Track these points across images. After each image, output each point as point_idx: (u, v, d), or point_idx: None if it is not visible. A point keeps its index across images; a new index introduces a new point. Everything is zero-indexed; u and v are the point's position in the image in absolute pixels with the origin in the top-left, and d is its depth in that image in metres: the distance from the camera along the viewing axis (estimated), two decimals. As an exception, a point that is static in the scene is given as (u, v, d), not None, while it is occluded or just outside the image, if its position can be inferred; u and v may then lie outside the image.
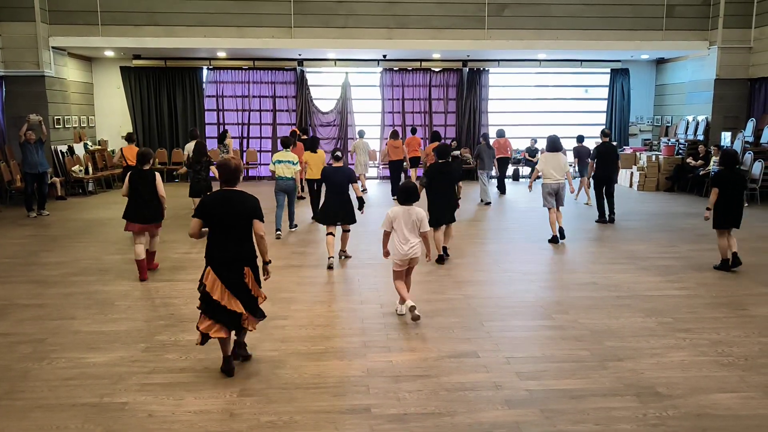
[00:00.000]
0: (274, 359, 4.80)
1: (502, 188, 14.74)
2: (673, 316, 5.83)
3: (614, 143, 11.20)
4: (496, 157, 14.10)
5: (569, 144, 13.64)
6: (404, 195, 5.67)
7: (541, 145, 17.36)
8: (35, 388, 4.32)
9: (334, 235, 7.79)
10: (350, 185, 7.83)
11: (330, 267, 7.61)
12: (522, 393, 4.23)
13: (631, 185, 15.68)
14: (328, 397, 4.17)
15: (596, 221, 10.64)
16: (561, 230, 9.05)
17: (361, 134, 14.55)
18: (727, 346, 5.10)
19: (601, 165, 10.71)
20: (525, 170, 17.53)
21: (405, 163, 13.97)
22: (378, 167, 17.41)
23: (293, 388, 4.32)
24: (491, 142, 13.73)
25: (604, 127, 18.00)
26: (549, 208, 9.09)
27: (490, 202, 13.03)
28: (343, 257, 8.17)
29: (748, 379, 4.46)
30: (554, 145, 9.22)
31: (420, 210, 5.64)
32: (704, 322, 5.67)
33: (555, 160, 9.06)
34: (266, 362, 4.75)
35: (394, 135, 14.02)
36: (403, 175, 14.02)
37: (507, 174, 15.38)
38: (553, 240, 9.00)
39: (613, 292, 6.66)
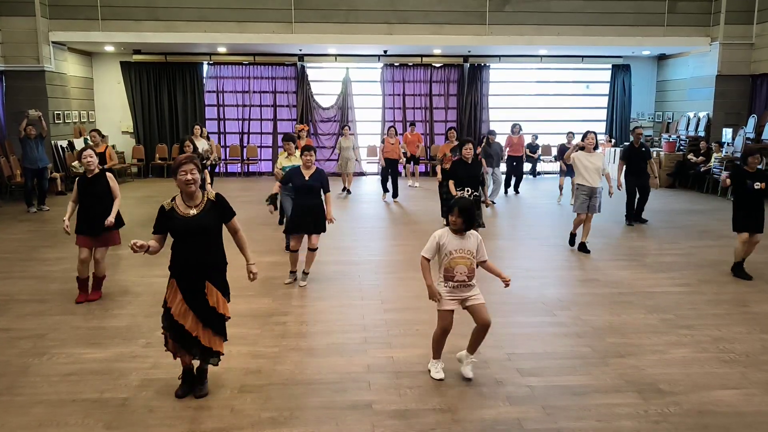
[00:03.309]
0: (274, 355, 4.79)
1: (515, 187, 14.05)
2: (674, 313, 5.81)
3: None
4: (509, 155, 13.45)
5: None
6: (465, 215, 4.19)
7: (542, 141, 17.34)
8: (35, 383, 4.31)
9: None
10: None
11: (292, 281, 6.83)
12: (523, 389, 4.22)
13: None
14: (328, 393, 4.16)
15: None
16: (583, 245, 8.26)
17: (345, 131, 13.89)
18: (728, 342, 5.09)
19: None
20: (525, 166, 17.45)
21: (401, 159, 13.63)
22: (378, 164, 17.35)
23: (294, 384, 4.31)
24: (505, 138, 13.08)
25: (605, 123, 18.01)
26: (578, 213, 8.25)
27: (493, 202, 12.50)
28: (304, 278, 6.84)
29: (750, 376, 4.45)
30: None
31: (477, 234, 4.36)
32: (706, 319, 5.66)
33: (588, 159, 8.09)
34: (267, 358, 4.74)
35: (391, 132, 13.49)
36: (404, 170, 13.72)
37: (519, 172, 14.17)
38: (582, 247, 8.26)
39: (615, 288, 6.65)
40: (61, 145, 14.27)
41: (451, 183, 7.44)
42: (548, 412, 3.92)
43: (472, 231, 4.31)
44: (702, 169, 14.18)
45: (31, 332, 5.28)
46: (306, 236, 6.72)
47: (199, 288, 3.94)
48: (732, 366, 4.63)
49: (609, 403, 4.02)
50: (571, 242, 8.49)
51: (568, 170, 12.38)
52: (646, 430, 3.71)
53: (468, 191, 7.33)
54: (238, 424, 3.77)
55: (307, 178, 6.58)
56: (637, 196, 10.22)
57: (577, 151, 8.29)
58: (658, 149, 15.98)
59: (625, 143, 17.10)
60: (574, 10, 14.63)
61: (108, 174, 6.23)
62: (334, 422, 3.79)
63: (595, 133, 8.24)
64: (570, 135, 12.77)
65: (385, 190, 13.15)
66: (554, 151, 16.23)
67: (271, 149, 17.46)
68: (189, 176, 3.85)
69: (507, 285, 4.36)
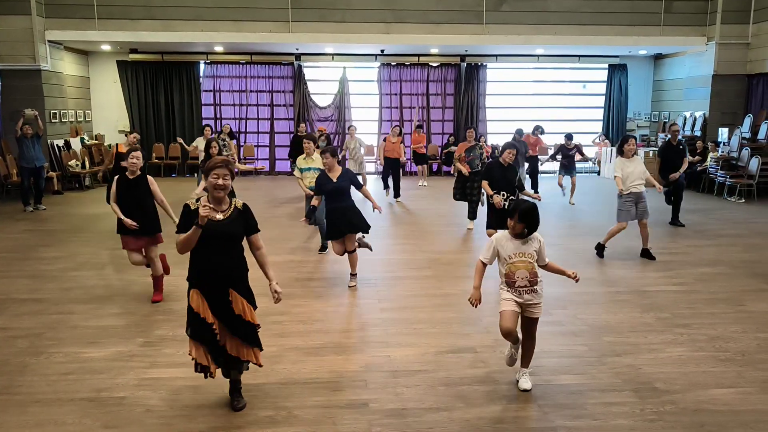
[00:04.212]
0: (272, 354, 4.79)
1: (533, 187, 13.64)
2: (671, 312, 5.84)
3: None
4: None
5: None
6: (528, 220, 4.01)
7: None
8: (33, 382, 4.31)
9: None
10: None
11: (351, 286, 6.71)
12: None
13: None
14: (326, 392, 4.17)
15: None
16: (646, 251, 7.96)
17: (352, 131, 13.47)
18: (724, 341, 5.11)
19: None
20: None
21: (402, 159, 13.48)
22: (376, 163, 17.32)
23: (291, 383, 4.31)
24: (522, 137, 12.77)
25: (601, 122, 18.04)
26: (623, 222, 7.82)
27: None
28: (352, 279, 6.78)
29: (746, 375, 4.47)
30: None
31: (539, 237, 4.15)
32: (702, 318, 5.68)
33: (633, 163, 7.75)
34: (264, 357, 4.69)
35: (395, 131, 13.21)
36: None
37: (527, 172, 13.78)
38: (599, 250, 8.04)
39: (612, 287, 6.67)
40: (57, 145, 14.23)
41: (485, 183, 7.22)
42: (545, 410, 3.94)
43: (535, 234, 4.11)
44: (698, 169, 14.20)
45: (28, 331, 5.28)
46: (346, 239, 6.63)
47: (222, 296, 3.78)
48: (728, 365, 4.65)
49: (605, 402, 4.04)
50: (600, 253, 8.02)
51: (570, 168, 12.47)
52: (642, 429, 3.72)
53: (503, 195, 7.11)
54: (236, 423, 3.78)
55: (334, 180, 6.49)
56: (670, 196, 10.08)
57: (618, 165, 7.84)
58: (654, 149, 16.01)
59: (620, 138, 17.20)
60: (571, 10, 14.65)
61: (149, 177, 6.06)
62: (332, 421, 3.80)
63: (635, 138, 8.00)
64: (568, 138, 12.51)
65: (386, 186, 12.95)
66: (551, 151, 16.25)
67: (268, 149, 17.45)
68: (220, 181, 3.68)
69: (577, 280, 4.20)
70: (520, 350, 4.30)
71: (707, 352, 4.90)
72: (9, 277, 6.99)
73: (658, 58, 17.58)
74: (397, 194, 12.72)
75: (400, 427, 3.74)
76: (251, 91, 17.21)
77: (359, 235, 6.77)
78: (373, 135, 17.35)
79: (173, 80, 16.80)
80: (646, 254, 7.97)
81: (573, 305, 6.03)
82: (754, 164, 12.98)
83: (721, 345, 5.03)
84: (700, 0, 14.90)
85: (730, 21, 14.49)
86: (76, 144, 14.96)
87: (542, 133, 13.43)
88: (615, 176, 7.73)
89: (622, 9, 14.78)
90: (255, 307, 3.93)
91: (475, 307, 4.18)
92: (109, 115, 16.80)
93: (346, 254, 6.66)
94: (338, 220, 6.52)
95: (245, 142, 17.35)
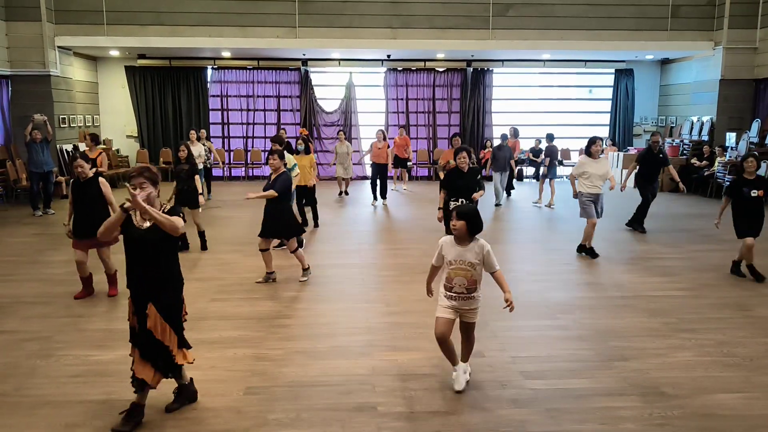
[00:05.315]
0: (279, 358, 4.82)
1: (508, 190, 13.99)
2: (677, 317, 5.83)
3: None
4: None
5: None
6: (467, 219, 4.06)
7: (546, 145, 17.30)
8: (42, 384, 4.35)
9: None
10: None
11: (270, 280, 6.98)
12: (527, 392, 4.25)
13: (635, 186, 15.59)
14: (334, 395, 4.19)
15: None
16: (591, 249, 8.19)
17: (341, 135, 13.77)
18: (731, 346, 5.10)
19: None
20: (529, 170, 17.44)
21: (389, 165, 13.47)
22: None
23: (299, 386, 4.33)
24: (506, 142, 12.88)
25: (608, 127, 18.03)
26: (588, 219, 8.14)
27: (498, 204, 12.58)
28: (303, 274, 7.08)
29: (753, 380, 4.47)
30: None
31: (483, 245, 4.12)
32: (709, 323, 5.67)
33: (597, 164, 8.10)
34: (271, 361, 4.77)
35: (380, 135, 13.25)
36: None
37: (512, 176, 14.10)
38: (591, 252, 8.17)
39: (617, 292, 6.67)
40: (66, 149, 14.35)
41: (441, 195, 7.26)
42: (551, 414, 3.94)
43: (479, 241, 4.09)
44: (705, 174, 14.18)
45: (37, 334, 5.33)
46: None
47: (142, 308, 3.71)
48: (735, 370, 4.64)
49: (612, 406, 4.05)
50: (592, 254, 8.13)
51: (551, 172, 12.67)
52: (649, 433, 3.73)
53: (462, 202, 6.95)
54: (244, 425, 3.80)
55: (270, 181, 6.75)
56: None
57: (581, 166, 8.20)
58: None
59: (628, 147, 17.24)
60: (577, 15, 14.67)
61: (101, 179, 6.29)
62: (340, 424, 3.82)
63: (601, 139, 8.30)
64: (548, 139, 12.93)
65: (375, 196, 12.90)
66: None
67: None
68: (137, 190, 3.62)
69: (508, 306, 4.02)
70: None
71: (714, 357, 4.89)
72: (18, 281, 7.05)
73: (664, 62, 17.57)
74: (383, 196, 12.79)
75: (408, 430, 3.76)
76: (258, 96, 17.29)
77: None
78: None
79: (181, 85, 16.90)
80: (584, 250, 8.22)
81: (578, 310, 6.03)
82: (763, 169, 12.93)
83: (729, 350, 5.02)
84: (708, 5, 14.89)
85: (738, 26, 14.48)
86: (84, 149, 15.06)
87: (516, 134, 13.77)
88: (570, 175, 8.31)
89: (629, 14, 14.79)
90: (178, 329, 3.83)
91: (429, 296, 4.46)
92: (117, 120, 16.93)
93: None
94: (267, 220, 6.82)
95: (252, 147, 17.43)
